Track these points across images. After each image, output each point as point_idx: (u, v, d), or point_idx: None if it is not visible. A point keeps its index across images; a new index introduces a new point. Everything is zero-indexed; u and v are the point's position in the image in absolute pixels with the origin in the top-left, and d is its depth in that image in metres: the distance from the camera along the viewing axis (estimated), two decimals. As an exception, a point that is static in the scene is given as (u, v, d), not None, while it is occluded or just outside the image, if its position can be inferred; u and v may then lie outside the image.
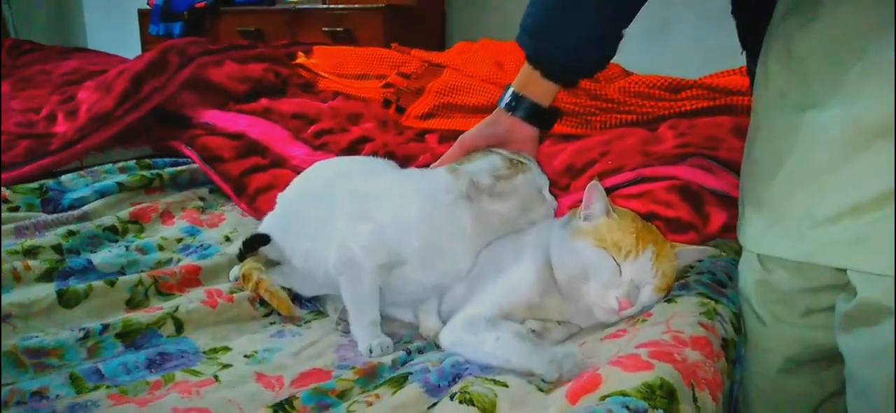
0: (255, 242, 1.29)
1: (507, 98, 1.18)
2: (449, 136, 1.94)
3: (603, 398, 0.74)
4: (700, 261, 1.15)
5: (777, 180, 0.88)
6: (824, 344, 0.90)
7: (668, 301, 1.02)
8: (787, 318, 0.94)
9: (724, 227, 1.25)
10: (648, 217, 1.12)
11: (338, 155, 1.75)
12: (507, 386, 0.87)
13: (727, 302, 1.04)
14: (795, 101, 0.87)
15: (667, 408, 0.72)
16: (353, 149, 1.82)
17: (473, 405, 0.82)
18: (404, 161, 1.60)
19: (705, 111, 1.73)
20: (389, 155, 1.62)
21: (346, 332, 1.16)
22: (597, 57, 1.12)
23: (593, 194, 1.03)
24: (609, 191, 1.05)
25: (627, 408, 0.70)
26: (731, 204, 1.29)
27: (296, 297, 1.27)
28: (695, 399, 0.78)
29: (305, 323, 1.22)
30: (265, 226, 1.33)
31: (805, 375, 0.97)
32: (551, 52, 1.11)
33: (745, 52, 1.20)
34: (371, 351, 1.08)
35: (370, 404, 0.89)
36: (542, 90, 1.15)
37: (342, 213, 1.15)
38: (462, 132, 1.91)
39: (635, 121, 1.82)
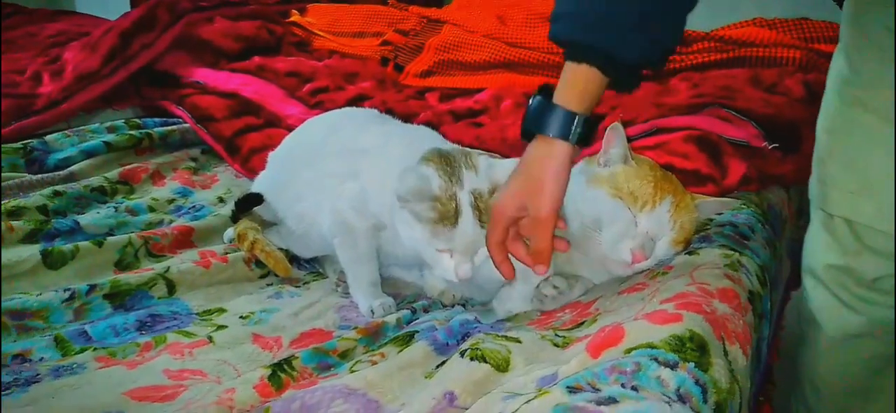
0: (249, 202, 1.24)
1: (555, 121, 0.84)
2: (449, 94, 1.87)
3: (628, 351, 0.68)
4: (720, 213, 1.09)
5: None
6: None
7: (690, 253, 0.96)
8: (884, 300, 0.85)
9: (744, 179, 1.19)
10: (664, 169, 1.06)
11: (333, 113, 1.68)
12: (520, 341, 0.82)
13: (751, 254, 0.98)
14: None
15: (698, 361, 0.67)
16: (350, 108, 1.75)
17: (486, 362, 0.76)
18: (404, 119, 1.54)
19: (718, 64, 1.66)
20: (389, 113, 1.56)
21: (347, 293, 1.11)
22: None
23: (613, 138, 0.96)
24: (622, 142, 0.98)
25: (657, 360, 0.65)
26: (750, 155, 1.23)
27: (293, 258, 1.22)
28: (726, 353, 0.72)
29: (304, 284, 1.17)
30: (257, 185, 1.28)
31: None
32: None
33: None
34: (372, 312, 1.04)
35: (375, 363, 0.84)
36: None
37: (332, 173, 1.09)
38: (463, 90, 1.89)
39: (644, 75, 1.75)
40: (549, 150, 0.84)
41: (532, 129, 0.85)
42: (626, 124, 1.34)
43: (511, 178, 0.88)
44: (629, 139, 1.25)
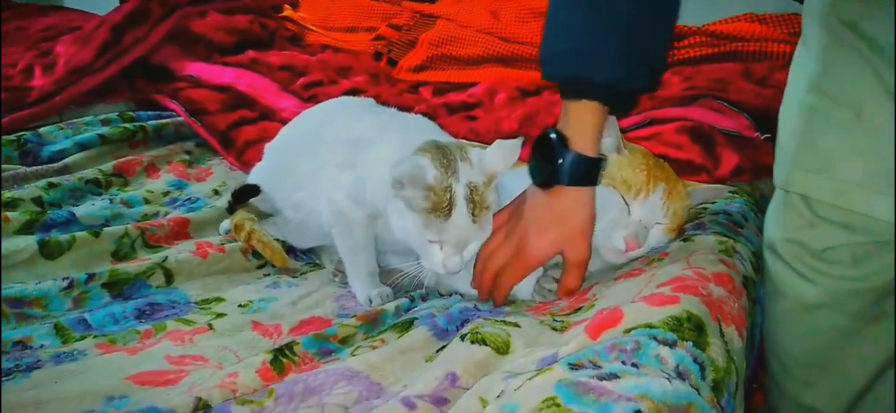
0: (245, 193, 1.24)
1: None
2: (443, 89, 1.88)
3: (627, 332, 0.69)
4: (714, 202, 1.11)
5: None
6: (886, 283, 0.86)
7: (685, 240, 0.98)
8: (838, 272, 0.88)
9: (737, 170, 1.21)
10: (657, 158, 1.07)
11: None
12: (519, 326, 0.83)
13: (745, 241, 1.00)
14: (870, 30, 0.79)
15: (696, 340, 0.68)
16: (344, 101, 1.76)
17: (487, 345, 0.77)
18: (399, 112, 1.55)
19: (710, 58, 1.68)
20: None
21: (344, 283, 1.11)
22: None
23: (606, 128, 0.97)
24: (617, 133, 1.00)
25: (655, 339, 0.66)
26: (742, 146, 1.25)
27: (289, 249, 1.22)
28: (722, 334, 0.74)
29: (301, 275, 1.18)
30: (254, 177, 1.28)
31: (866, 334, 0.92)
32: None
33: None
34: (370, 301, 1.04)
35: (375, 348, 0.84)
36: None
37: (330, 162, 1.09)
38: (457, 85, 1.90)
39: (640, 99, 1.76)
40: (583, 199, 0.90)
41: (564, 183, 0.88)
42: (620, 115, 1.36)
43: (541, 225, 0.91)
44: (623, 131, 1.27)
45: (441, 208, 0.90)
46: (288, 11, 2.35)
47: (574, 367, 0.63)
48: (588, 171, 0.89)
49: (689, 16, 1.99)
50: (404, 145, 0.98)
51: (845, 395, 0.95)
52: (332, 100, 1.31)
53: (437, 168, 0.92)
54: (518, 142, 0.95)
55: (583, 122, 0.87)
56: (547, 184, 0.90)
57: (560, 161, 0.87)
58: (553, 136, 0.89)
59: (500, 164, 0.94)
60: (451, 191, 0.91)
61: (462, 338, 0.80)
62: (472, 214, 0.91)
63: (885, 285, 0.87)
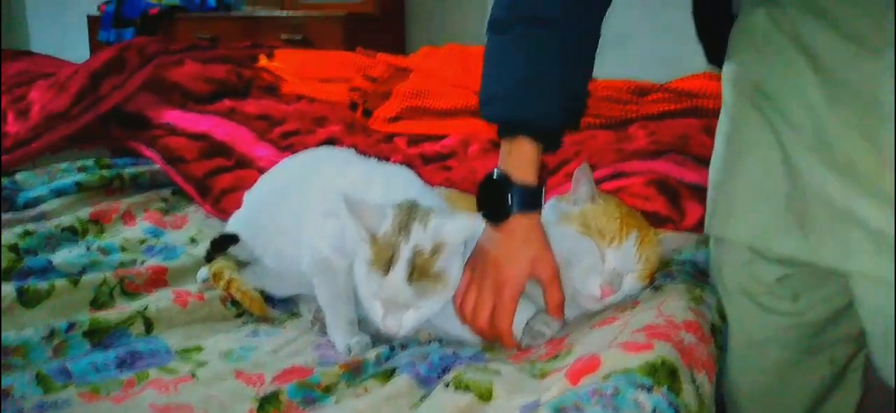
0: (224, 242, 1.25)
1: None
2: (418, 139, 1.93)
3: (606, 377, 0.73)
4: (679, 252, 1.16)
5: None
6: (823, 318, 0.95)
7: (655, 289, 1.02)
8: (781, 307, 0.96)
9: (701, 222, 1.27)
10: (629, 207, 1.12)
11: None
12: (499, 373, 0.86)
13: (711, 290, 1.05)
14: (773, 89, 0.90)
15: (670, 385, 0.72)
16: (321, 150, 1.79)
17: (470, 391, 0.80)
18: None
19: (672, 114, 1.75)
20: (360, 156, 1.60)
21: (323, 332, 1.12)
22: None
23: (581, 178, 1.03)
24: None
25: (633, 384, 0.70)
26: (706, 198, 1.31)
27: (268, 298, 1.23)
28: (693, 380, 0.78)
29: (280, 323, 1.18)
30: (233, 225, 1.29)
31: (805, 367, 0.99)
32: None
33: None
34: (350, 349, 1.05)
35: (359, 396, 0.86)
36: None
37: (312, 210, 1.11)
38: (431, 136, 1.95)
39: (602, 124, 1.83)
40: (534, 223, 0.99)
41: (515, 211, 0.97)
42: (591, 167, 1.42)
43: (509, 254, 0.97)
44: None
45: (380, 262, 0.93)
46: (264, 62, 2.38)
47: (559, 410, 0.66)
48: (533, 198, 0.98)
49: (653, 73, 2.10)
50: (388, 196, 1.01)
51: None
52: (314, 149, 1.33)
53: (393, 223, 0.94)
54: (480, 223, 0.99)
55: (522, 157, 0.96)
56: (501, 218, 0.97)
57: (509, 195, 0.96)
58: (496, 175, 0.98)
59: (452, 236, 0.96)
60: (395, 248, 0.93)
61: (446, 385, 0.83)
62: (410, 278, 0.93)
63: (821, 320, 0.96)
